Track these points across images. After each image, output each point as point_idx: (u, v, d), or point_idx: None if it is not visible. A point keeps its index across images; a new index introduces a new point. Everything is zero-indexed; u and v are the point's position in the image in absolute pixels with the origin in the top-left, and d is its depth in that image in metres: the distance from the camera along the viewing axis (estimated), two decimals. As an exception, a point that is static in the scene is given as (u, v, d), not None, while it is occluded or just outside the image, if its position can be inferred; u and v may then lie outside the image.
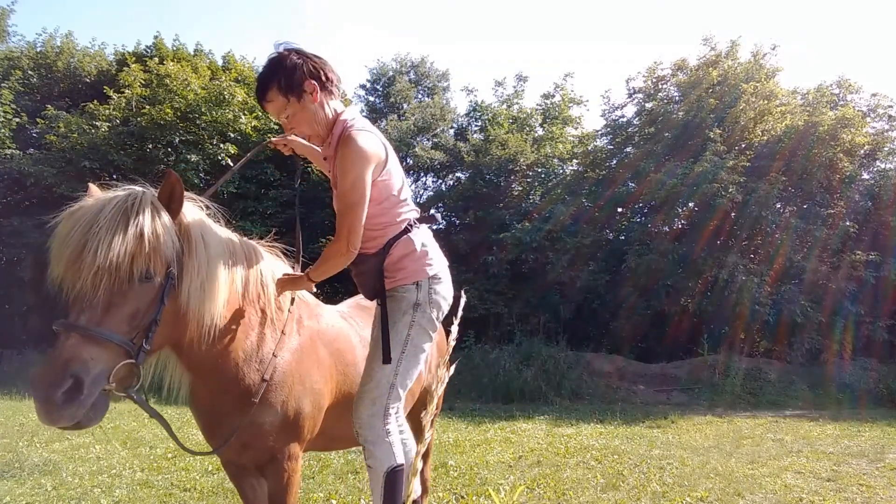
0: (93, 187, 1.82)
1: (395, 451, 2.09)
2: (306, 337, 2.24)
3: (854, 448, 6.01)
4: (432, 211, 2.59)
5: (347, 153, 1.96)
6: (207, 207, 2.03)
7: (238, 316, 2.02)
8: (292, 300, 2.25)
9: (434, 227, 2.31)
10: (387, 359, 2.07)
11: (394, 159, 2.16)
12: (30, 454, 5.16)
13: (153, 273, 1.67)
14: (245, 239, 2.15)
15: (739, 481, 4.63)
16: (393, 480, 2.06)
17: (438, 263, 2.22)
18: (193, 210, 1.92)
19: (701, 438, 6.54)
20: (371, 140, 2.02)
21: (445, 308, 2.23)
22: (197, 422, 2.20)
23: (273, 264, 2.23)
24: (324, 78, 2.05)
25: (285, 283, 2.17)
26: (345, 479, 4.50)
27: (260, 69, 2.25)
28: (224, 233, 2.03)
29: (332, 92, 2.09)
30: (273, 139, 2.48)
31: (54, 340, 1.55)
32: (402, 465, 2.10)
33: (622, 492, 4.30)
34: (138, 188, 1.75)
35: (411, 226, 2.17)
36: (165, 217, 1.73)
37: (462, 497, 4.05)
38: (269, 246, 2.28)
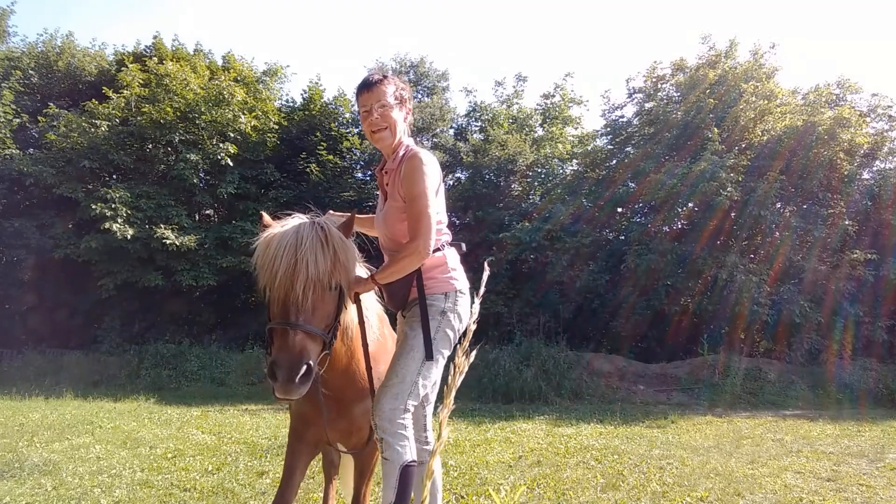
0: (265, 216, 2.29)
1: (411, 447, 2.22)
2: (381, 333, 2.65)
3: (854, 448, 6.01)
4: (463, 245, 2.78)
5: (418, 166, 2.29)
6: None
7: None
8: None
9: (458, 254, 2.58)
10: (429, 356, 2.28)
11: (442, 187, 2.49)
12: (30, 454, 5.16)
13: (341, 282, 2.16)
14: None
15: (739, 481, 4.63)
16: (407, 475, 2.17)
17: (462, 282, 2.48)
18: None
19: (701, 438, 6.54)
20: (434, 161, 2.40)
21: (464, 323, 2.40)
22: (296, 413, 2.53)
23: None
24: (409, 111, 2.54)
25: (353, 286, 2.32)
26: (345, 479, 4.50)
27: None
28: None
29: (406, 123, 2.52)
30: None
31: (277, 335, 2.03)
32: (416, 462, 2.22)
33: (622, 492, 4.30)
34: (312, 219, 2.22)
35: (443, 245, 2.44)
36: (347, 241, 2.23)
37: (462, 497, 4.05)
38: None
